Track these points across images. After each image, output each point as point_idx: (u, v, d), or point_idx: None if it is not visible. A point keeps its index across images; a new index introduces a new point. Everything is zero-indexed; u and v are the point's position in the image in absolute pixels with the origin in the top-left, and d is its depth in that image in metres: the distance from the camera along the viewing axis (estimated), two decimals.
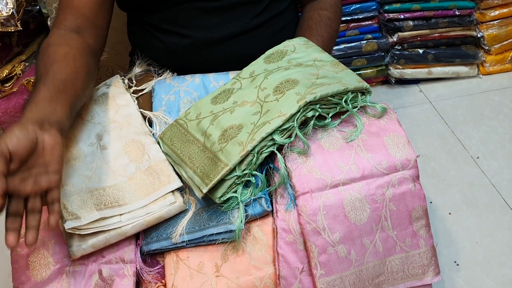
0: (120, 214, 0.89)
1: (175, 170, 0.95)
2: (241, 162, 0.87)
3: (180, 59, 1.03)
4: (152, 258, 0.95)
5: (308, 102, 0.89)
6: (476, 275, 1.04)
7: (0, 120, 1.38)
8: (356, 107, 0.94)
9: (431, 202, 1.20)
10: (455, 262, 1.07)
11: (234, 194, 0.88)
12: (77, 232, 0.86)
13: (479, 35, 1.63)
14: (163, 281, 0.93)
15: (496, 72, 1.68)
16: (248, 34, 1.07)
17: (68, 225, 0.85)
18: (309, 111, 0.90)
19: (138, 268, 0.92)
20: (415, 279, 0.94)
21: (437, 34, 1.63)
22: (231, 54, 1.07)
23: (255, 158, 0.87)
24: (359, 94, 0.95)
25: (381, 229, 0.91)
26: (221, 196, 0.87)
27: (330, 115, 0.92)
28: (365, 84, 0.95)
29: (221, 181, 0.87)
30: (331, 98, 0.91)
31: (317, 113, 0.91)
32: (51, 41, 0.88)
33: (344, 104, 0.92)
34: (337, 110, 0.93)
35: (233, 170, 0.87)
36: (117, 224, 0.89)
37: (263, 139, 0.87)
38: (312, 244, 0.87)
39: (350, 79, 0.95)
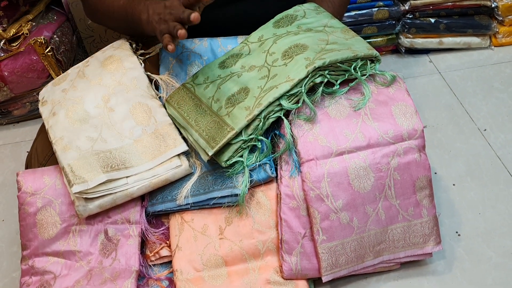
0: (127, 177, 0.90)
1: (181, 134, 0.95)
2: (247, 126, 0.87)
3: None
4: (157, 219, 0.97)
5: (317, 68, 0.88)
6: (477, 246, 1.05)
7: (7, 79, 1.37)
8: (365, 74, 0.93)
9: (435, 173, 1.20)
10: (456, 232, 1.08)
11: (240, 159, 0.88)
12: (84, 196, 0.87)
13: (493, 5, 1.59)
14: (167, 242, 0.95)
15: (508, 44, 1.64)
16: None
17: (75, 189, 0.86)
18: (317, 77, 0.89)
19: (143, 228, 0.94)
20: (416, 247, 0.95)
21: (450, 3, 1.59)
22: (240, 16, 1.06)
23: (261, 123, 0.87)
24: (369, 62, 0.94)
25: (384, 198, 0.91)
26: (227, 160, 0.88)
27: (338, 82, 0.91)
28: (374, 52, 0.93)
29: (227, 145, 0.87)
30: (340, 65, 0.90)
31: (325, 80, 0.90)
32: None
33: (353, 71, 0.91)
34: (346, 77, 0.92)
35: (239, 134, 0.87)
36: (123, 186, 0.90)
37: (270, 104, 0.87)
38: (315, 210, 0.88)
39: (360, 46, 0.93)
